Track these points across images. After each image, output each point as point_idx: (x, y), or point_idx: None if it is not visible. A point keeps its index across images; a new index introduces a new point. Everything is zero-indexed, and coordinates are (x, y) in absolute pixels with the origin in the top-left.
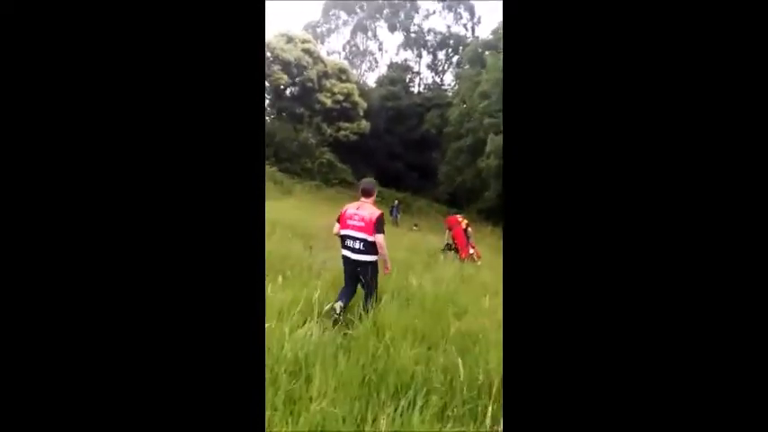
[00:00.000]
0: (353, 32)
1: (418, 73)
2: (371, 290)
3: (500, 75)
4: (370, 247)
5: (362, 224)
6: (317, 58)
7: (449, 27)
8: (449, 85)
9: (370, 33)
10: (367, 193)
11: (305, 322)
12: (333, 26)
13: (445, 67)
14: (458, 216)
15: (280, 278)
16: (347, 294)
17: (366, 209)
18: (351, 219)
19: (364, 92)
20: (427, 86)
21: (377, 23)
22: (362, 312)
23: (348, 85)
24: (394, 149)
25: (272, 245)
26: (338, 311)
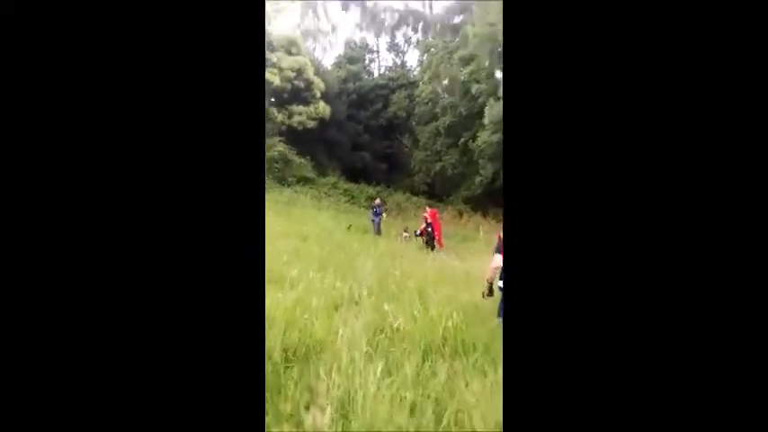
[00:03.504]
0: (303, 13)
1: (378, 52)
2: None
3: (491, 28)
4: None
5: None
6: None
7: (406, 5)
8: (411, 66)
9: (321, 12)
10: None
11: None
12: (278, 7)
13: (406, 48)
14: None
15: None
16: None
17: None
18: None
19: (320, 73)
20: (389, 68)
21: (328, 2)
22: None
23: (299, 58)
24: (358, 138)
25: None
26: None
